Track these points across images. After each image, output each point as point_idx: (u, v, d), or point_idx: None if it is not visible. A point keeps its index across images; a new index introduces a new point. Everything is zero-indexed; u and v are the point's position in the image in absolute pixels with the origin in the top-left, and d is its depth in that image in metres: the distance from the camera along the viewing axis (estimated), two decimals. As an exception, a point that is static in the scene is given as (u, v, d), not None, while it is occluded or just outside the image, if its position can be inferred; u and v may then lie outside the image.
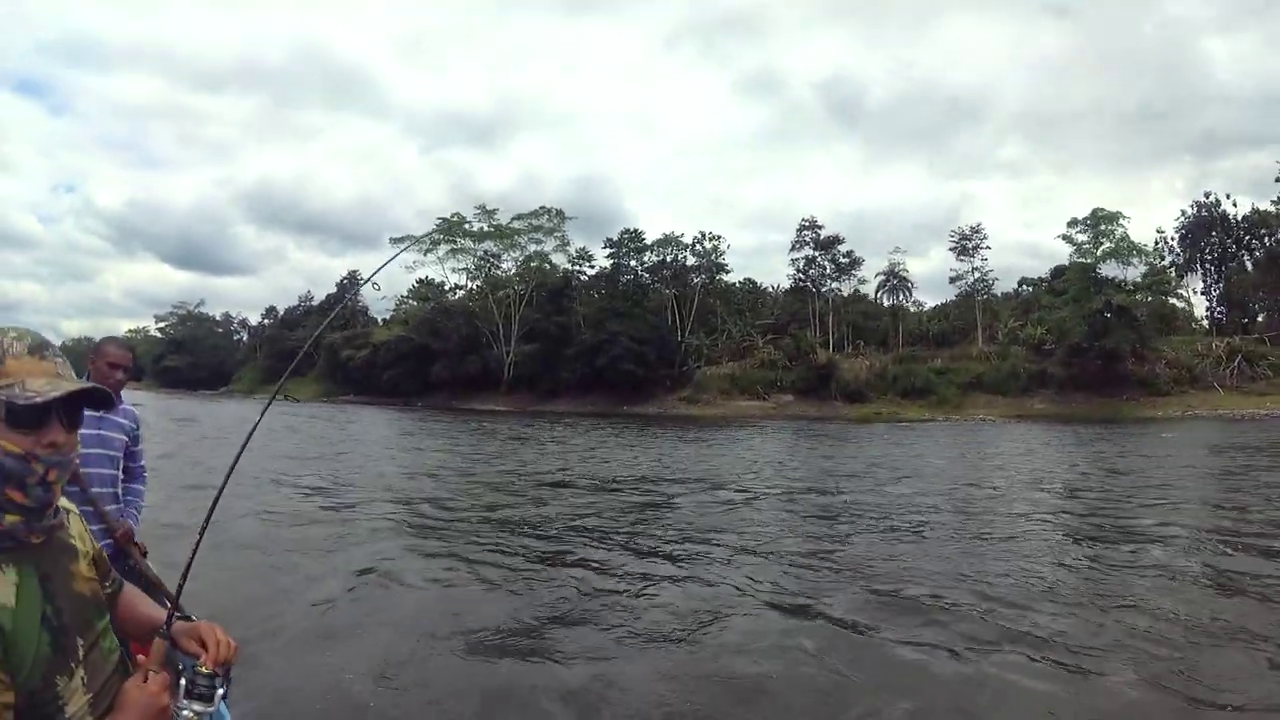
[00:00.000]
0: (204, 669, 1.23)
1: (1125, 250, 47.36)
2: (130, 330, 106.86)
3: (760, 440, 25.12)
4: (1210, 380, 41.79)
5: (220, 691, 1.23)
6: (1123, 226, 46.90)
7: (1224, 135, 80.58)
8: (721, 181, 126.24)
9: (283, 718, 3.33)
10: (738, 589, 5.67)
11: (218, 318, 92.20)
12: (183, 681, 1.21)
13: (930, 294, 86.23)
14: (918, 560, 6.56)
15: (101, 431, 2.75)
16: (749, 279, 59.59)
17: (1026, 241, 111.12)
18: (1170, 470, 14.39)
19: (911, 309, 54.32)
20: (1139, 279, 46.90)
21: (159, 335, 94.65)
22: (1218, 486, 12.32)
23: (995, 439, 25.85)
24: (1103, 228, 47.39)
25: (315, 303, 75.92)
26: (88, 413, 2.22)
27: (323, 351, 66.79)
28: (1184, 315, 53.09)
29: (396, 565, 6.20)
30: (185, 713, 1.18)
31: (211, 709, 1.23)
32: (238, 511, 8.14)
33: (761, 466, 15.79)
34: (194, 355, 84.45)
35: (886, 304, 55.09)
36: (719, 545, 7.20)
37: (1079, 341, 42.29)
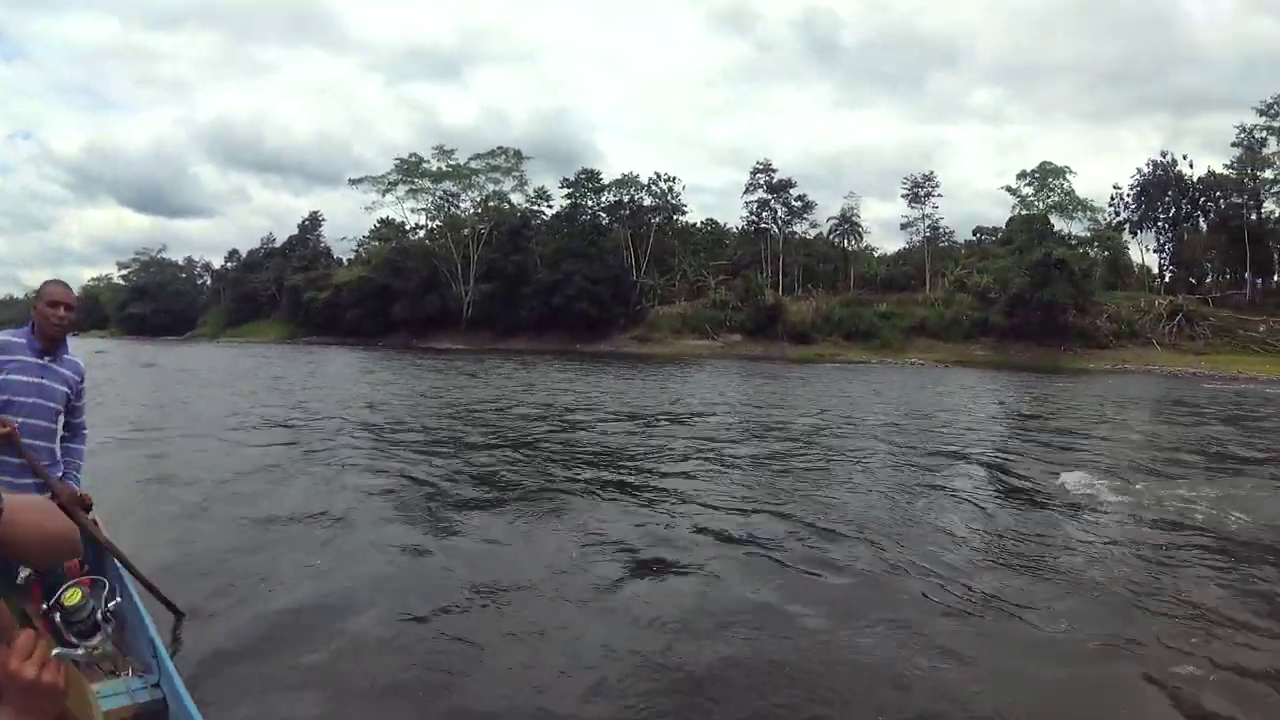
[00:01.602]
0: (71, 599, 1.06)
1: (1070, 204, 48.40)
2: (93, 279, 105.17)
3: (692, 376, 26.40)
4: (1149, 336, 42.92)
5: (101, 610, 1.08)
6: (1068, 181, 47.92)
7: (1200, 96, 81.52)
8: (694, 120, 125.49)
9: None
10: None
11: (180, 262, 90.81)
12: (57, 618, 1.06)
13: (900, 239, 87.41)
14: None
15: (43, 381, 2.57)
16: (711, 219, 60.36)
17: (999, 190, 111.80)
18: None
19: (864, 253, 55.22)
20: (1084, 233, 48.13)
21: (122, 282, 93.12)
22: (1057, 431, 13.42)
23: (916, 381, 27.27)
24: (1050, 181, 48.33)
25: (277, 244, 75.23)
26: (29, 359, 2.52)
27: (285, 293, 66.74)
28: (1140, 271, 54.45)
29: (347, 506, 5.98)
30: (79, 652, 1.05)
31: (101, 637, 1.09)
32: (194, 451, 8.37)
33: (681, 398, 16.78)
34: (157, 301, 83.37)
35: (845, 247, 55.90)
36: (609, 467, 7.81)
37: (1020, 292, 43.39)
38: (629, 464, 8.22)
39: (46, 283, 2.70)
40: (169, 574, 3.82)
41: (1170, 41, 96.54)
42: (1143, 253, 54.93)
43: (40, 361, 2.57)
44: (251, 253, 78.60)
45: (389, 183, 59.13)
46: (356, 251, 65.86)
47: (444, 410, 13.49)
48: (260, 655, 3.20)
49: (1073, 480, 7.18)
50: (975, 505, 6.26)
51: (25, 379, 2.52)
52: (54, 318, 2.58)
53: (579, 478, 7.28)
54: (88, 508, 2.78)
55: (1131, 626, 3.71)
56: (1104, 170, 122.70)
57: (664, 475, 7.49)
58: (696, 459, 8.51)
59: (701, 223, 59.41)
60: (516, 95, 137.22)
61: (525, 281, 50.93)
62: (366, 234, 64.48)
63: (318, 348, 51.47)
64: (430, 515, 5.73)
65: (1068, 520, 5.80)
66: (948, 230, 57.27)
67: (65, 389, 2.63)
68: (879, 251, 58.11)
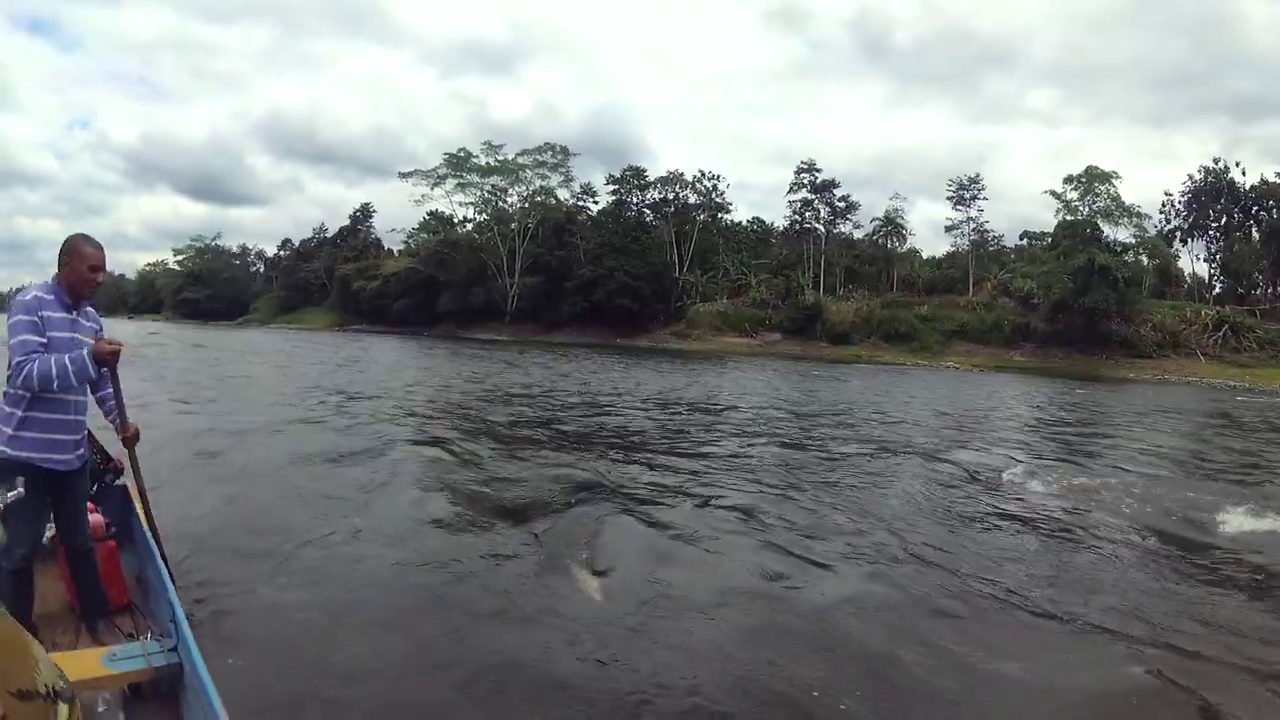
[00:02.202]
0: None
1: (1115, 211, 47.64)
2: (149, 264, 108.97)
3: (725, 371, 27.16)
4: (1193, 347, 41.96)
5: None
6: (1114, 186, 47.15)
7: (1260, 101, 78.71)
8: (744, 118, 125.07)
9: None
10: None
11: (234, 250, 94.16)
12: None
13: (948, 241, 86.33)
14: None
15: (74, 335, 2.64)
16: (758, 218, 60.69)
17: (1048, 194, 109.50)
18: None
19: (909, 255, 55.09)
20: (1129, 240, 47.35)
21: (177, 268, 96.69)
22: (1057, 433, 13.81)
23: (948, 384, 27.51)
24: (1096, 187, 47.62)
25: (329, 234, 77.69)
26: (61, 315, 2.53)
27: (335, 282, 69.01)
28: (1191, 280, 53.22)
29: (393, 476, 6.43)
30: None
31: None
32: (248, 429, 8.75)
33: (701, 391, 17.47)
34: (211, 287, 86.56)
35: (888, 248, 55.80)
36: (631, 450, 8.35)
37: (1063, 298, 42.75)
38: (644, 445, 8.88)
39: (79, 240, 2.67)
40: (194, 540, 4.18)
41: (1230, 44, 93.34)
42: (1193, 261, 53.68)
43: (70, 316, 2.64)
44: (304, 242, 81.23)
45: (438, 176, 60.78)
46: (406, 243, 67.75)
47: (484, 392, 14.55)
48: (276, 626, 3.32)
49: (1079, 482, 7.49)
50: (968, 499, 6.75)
51: (61, 334, 2.60)
52: (93, 281, 2.66)
53: (597, 453, 7.97)
54: (137, 439, 2.89)
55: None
56: (1159, 176, 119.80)
57: (682, 458, 8.06)
58: (715, 445, 9.22)
59: (748, 221, 59.96)
60: (568, 90, 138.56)
61: (569, 276, 52.06)
62: (416, 226, 66.30)
63: (365, 335, 53.38)
64: (461, 492, 5.94)
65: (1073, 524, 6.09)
66: (997, 234, 56.77)
67: (91, 341, 2.64)
68: (927, 254, 58.02)
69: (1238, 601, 4.38)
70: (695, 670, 3.21)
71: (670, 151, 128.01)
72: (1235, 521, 6.05)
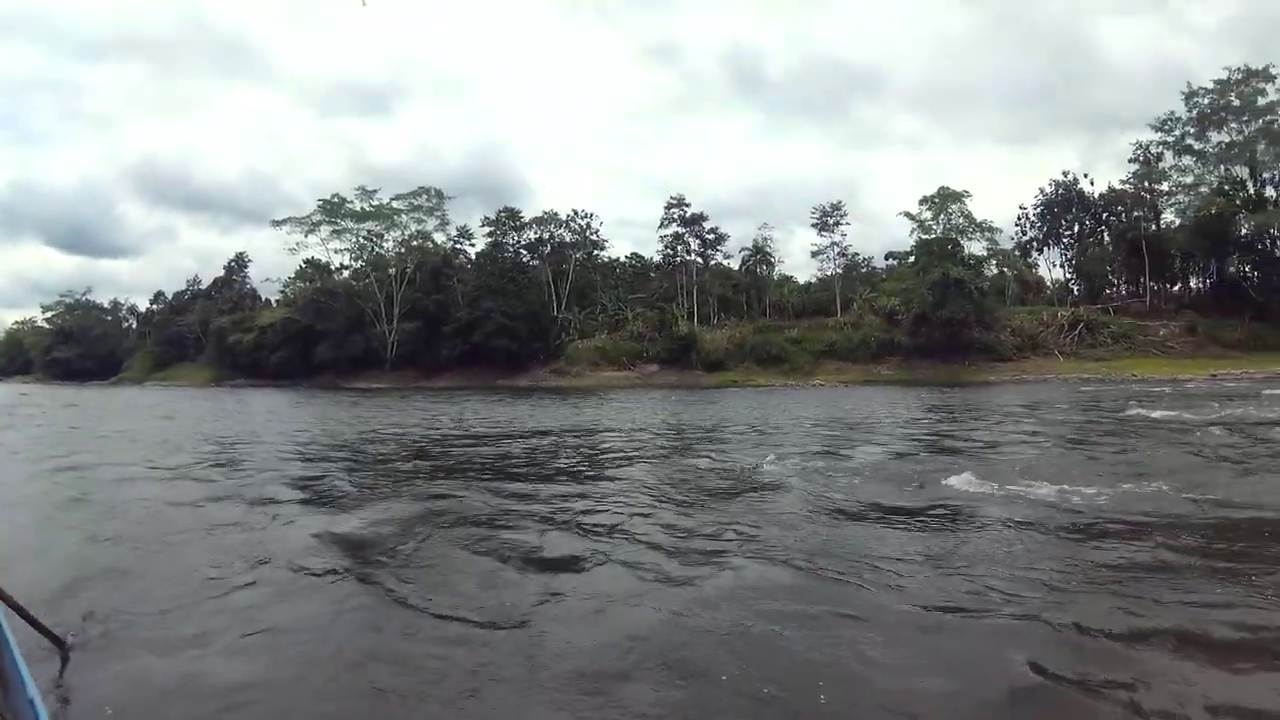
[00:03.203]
0: None
1: (968, 227, 51.01)
2: (17, 322, 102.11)
3: (599, 403, 27.78)
4: (1051, 347, 45.16)
5: None
6: (965, 204, 50.54)
7: (1116, 115, 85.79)
8: (623, 152, 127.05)
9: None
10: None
11: (106, 305, 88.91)
12: None
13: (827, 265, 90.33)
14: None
15: None
16: (636, 254, 61.75)
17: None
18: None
19: (781, 282, 57.12)
20: (981, 253, 50.72)
21: (46, 325, 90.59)
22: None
23: (811, 399, 29.00)
24: (949, 206, 50.90)
25: (203, 286, 74.30)
26: None
27: (211, 336, 65.87)
28: (1053, 286, 57.18)
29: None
30: None
31: None
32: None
33: (575, 421, 18.08)
34: (83, 345, 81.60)
35: (765, 275, 57.70)
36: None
37: (923, 311, 45.30)
38: (510, 469, 9.59)
39: None
40: (57, 601, 3.94)
41: (1087, 63, 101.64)
42: (1050, 269, 57.87)
43: None
44: (177, 295, 77.50)
45: (312, 223, 59.29)
46: (282, 293, 65.49)
47: (354, 435, 14.80)
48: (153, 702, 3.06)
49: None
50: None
51: None
52: None
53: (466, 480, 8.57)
54: None
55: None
56: (1022, 192, 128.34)
57: (552, 478, 8.86)
58: (585, 467, 9.99)
59: (626, 256, 60.93)
60: (448, 130, 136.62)
61: (447, 320, 51.48)
62: (292, 275, 64.23)
63: (242, 390, 51.07)
64: (339, 530, 5.89)
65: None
66: (867, 257, 59.63)
67: None
68: (805, 279, 60.35)
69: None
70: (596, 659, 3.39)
71: (551, 188, 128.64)
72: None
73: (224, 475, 9.16)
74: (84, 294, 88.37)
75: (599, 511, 6.54)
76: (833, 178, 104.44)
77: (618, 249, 60.24)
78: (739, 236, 65.52)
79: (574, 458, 10.86)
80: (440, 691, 3.14)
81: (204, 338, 68.03)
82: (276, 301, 66.95)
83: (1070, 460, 9.18)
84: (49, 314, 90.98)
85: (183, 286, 78.30)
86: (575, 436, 13.87)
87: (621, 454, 11.14)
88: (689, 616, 3.89)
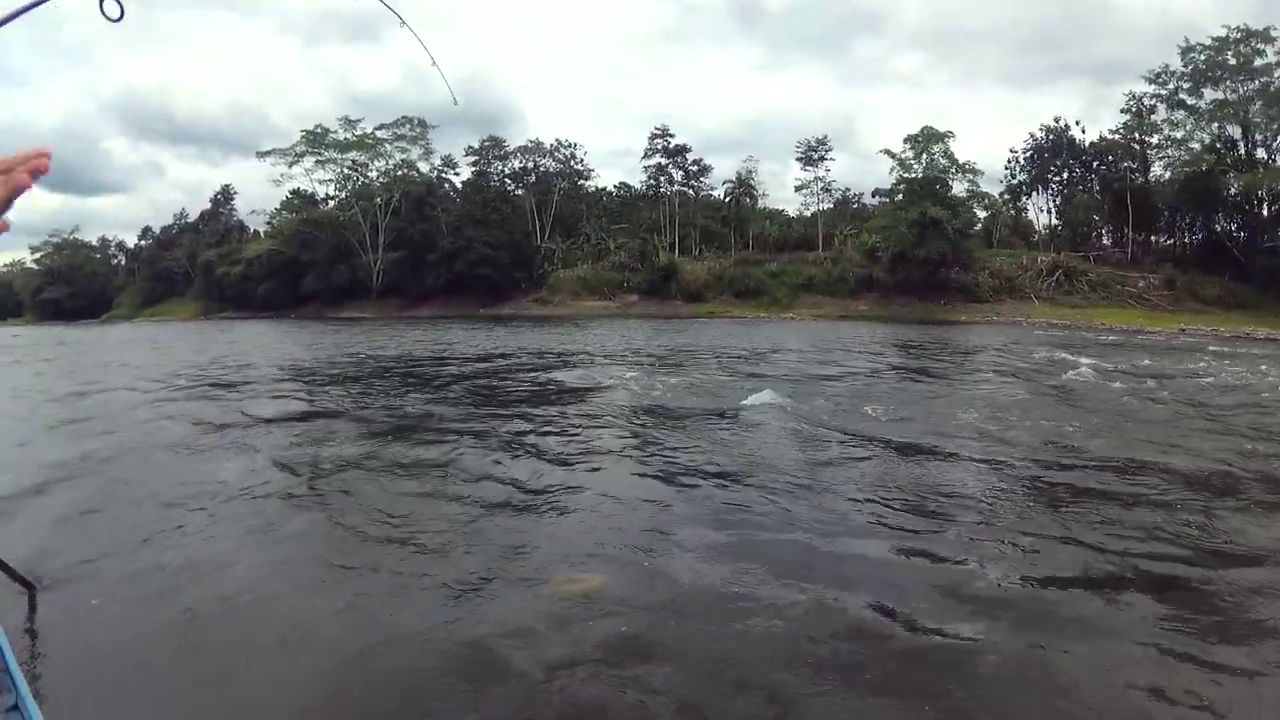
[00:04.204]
0: None
1: (950, 167, 50.64)
2: (5, 264, 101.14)
3: (577, 332, 28.39)
4: (1028, 292, 45.20)
5: None
6: (948, 144, 50.10)
7: (1120, 64, 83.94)
8: (618, 82, 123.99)
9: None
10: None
11: (94, 243, 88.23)
12: None
13: (816, 201, 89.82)
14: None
15: None
16: (624, 183, 61.34)
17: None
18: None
19: (763, 214, 56.97)
20: (963, 194, 50.49)
21: (35, 267, 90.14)
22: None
23: (781, 331, 29.76)
24: (931, 146, 50.44)
25: (190, 220, 73.92)
26: None
27: (199, 270, 65.94)
28: (1043, 231, 57.00)
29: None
30: None
31: None
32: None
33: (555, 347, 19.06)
34: (72, 284, 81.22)
35: (748, 207, 57.51)
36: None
37: (902, 250, 45.29)
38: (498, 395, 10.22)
39: None
40: (32, 540, 4.01)
41: (1095, 10, 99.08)
42: (1037, 214, 57.86)
43: None
44: (165, 229, 77.04)
45: (296, 154, 58.75)
46: (269, 224, 65.29)
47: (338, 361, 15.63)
48: (127, 646, 2.98)
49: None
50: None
51: None
52: None
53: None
54: None
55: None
56: (1022, 137, 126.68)
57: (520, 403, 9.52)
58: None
59: (615, 186, 60.65)
60: (440, 57, 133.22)
61: (431, 249, 51.61)
62: (278, 206, 63.96)
63: (230, 323, 51.54)
64: (313, 466, 5.95)
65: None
66: (858, 194, 59.43)
67: None
68: (796, 213, 60.13)
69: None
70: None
71: (545, 117, 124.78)
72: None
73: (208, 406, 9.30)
74: (72, 232, 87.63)
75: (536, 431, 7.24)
76: (830, 113, 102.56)
77: (611, 179, 59.94)
78: (733, 170, 64.55)
79: (521, 384, 11.53)
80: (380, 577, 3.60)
81: (192, 272, 68.02)
82: (264, 233, 66.80)
83: (901, 395, 10.11)
84: (38, 254, 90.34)
85: (170, 221, 77.78)
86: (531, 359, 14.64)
87: (562, 383, 11.63)
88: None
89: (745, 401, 8.45)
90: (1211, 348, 21.61)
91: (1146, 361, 15.60)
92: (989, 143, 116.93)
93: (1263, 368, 14.13)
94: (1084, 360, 14.73)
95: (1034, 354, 17.55)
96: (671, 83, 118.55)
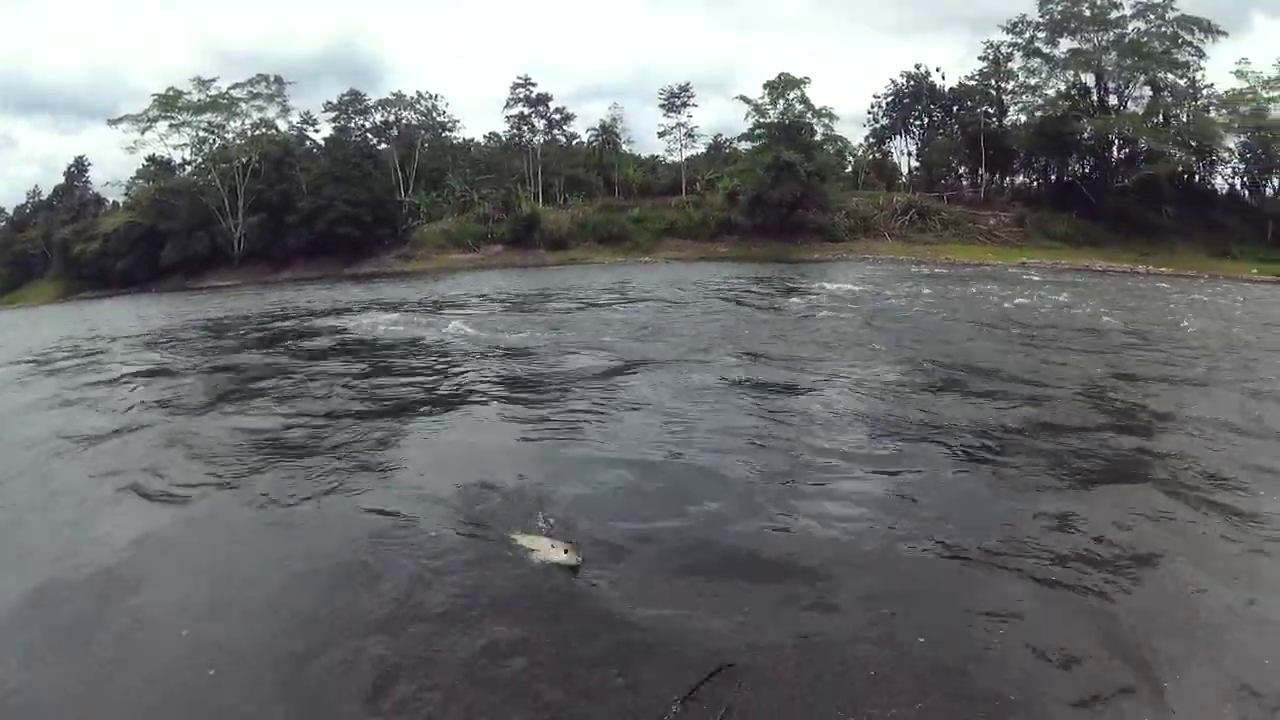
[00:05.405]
0: None
1: (805, 113, 51.89)
2: None
3: (436, 284, 28.35)
4: (882, 230, 47.40)
5: None
6: (803, 90, 51.30)
7: (1000, 14, 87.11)
8: (498, 31, 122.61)
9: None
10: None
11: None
12: None
13: (692, 146, 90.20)
14: None
15: None
16: (494, 133, 60.46)
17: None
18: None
19: (626, 160, 57.26)
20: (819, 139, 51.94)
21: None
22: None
23: (636, 272, 31.29)
24: (787, 92, 51.50)
25: (44, 197, 69.42)
26: None
27: (55, 249, 62.11)
28: (909, 173, 59.33)
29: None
30: None
31: None
32: None
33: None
34: (-75, 275, 75.44)
35: (611, 154, 57.58)
36: None
37: (758, 193, 46.67)
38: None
39: None
40: None
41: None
42: (901, 158, 60.18)
43: None
44: (18, 209, 72.04)
45: (149, 119, 55.65)
46: (127, 195, 61.93)
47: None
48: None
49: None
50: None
51: None
52: None
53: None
54: None
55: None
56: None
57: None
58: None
59: (485, 136, 59.74)
60: (304, 7, 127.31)
61: (291, 211, 50.01)
62: (134, 175, 60.64)
63: (87, 303, 48.92)
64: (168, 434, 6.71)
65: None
66: (732, 139, 60.12)
67: None
68: (674, 160, 60.38)
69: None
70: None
71: (420, 69, 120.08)
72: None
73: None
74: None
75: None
76: (714, 59, 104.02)
77: (490, 128, 58.41)
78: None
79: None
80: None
81: (49, 252, 64.07)
82: (122, 205, 63.30)
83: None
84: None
85: (24, 200, 72.78)
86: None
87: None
88: None
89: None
90: (1034, 277, 23.38)
91: (958, 290, 17.16)
92: (868, 90, 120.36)
93: (1059, 296, 16.41)
94: (889, 291, 16.72)
95: (856, 287, 19.29)
96: (556, 29, 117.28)
